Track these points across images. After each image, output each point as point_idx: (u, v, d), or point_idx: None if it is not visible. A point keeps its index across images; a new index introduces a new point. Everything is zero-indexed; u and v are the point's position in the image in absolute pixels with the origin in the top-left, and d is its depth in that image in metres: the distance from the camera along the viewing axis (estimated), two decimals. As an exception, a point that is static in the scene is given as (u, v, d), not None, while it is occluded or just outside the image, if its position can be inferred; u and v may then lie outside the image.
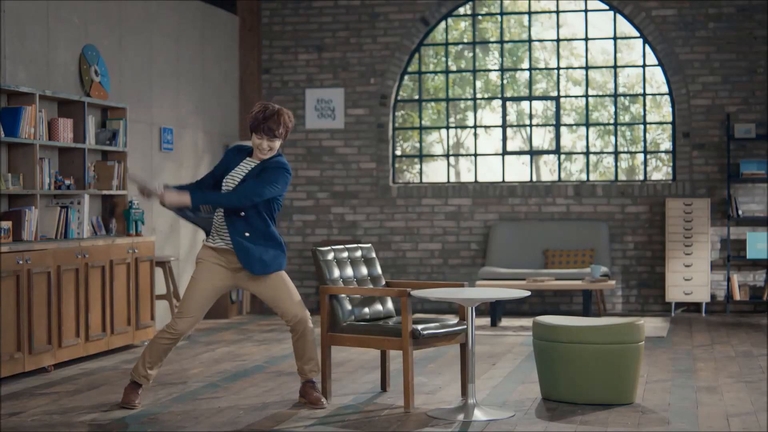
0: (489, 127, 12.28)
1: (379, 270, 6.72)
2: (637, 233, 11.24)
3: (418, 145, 12.11)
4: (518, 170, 12.41)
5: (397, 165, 12.00)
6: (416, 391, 6.54)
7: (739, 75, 11.08)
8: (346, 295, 6.36)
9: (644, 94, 11.56)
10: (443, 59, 11.99)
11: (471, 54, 11.99)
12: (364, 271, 6.64)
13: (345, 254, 6.56)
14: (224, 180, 6.08)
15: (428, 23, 11.66)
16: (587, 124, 11.75)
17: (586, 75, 11.69)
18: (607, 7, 11.39)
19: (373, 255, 6.74)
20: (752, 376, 7.10)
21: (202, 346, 8.72)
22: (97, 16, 9.02)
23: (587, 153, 11.73)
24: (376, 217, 11.71)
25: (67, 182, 8.24)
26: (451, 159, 12.94)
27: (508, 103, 11.80)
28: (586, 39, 11.54)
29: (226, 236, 6.05)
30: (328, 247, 6.51)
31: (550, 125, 12.02)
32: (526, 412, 5.98)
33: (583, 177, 11.94)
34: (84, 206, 8.30)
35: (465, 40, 12.35)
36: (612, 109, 11.83)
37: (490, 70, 12.01)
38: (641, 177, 11.86)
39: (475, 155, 11.80)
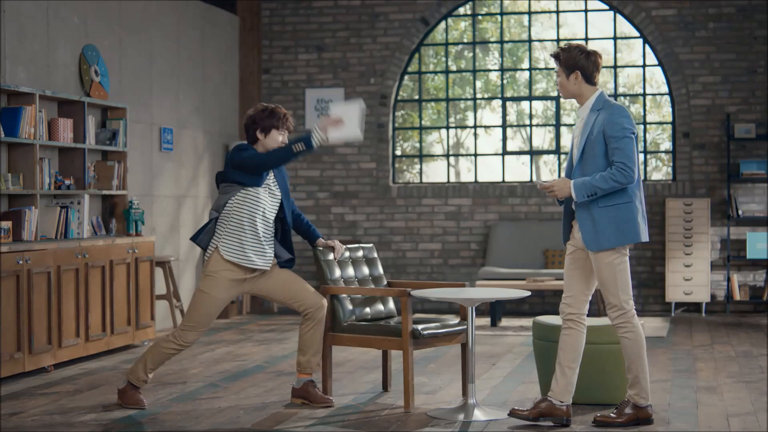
0: (489, 127, 12.28)
1: (380, 270, 6.72)
2: (637, 233, 11.22)
3: (418, 145, 12.12)
4: (518, 170, 12.41)
5: (397, 165, 12.01)
6: (416, 391, 6.54)
7: (739, 75, 11.08)
8: (347, 295, 6.36)
9: (644, 94, 11.57)
10: (443, 59, 11.99)
11: (471, 54, 11.99)
12: (365, 271, 6.64)
13: (346, 254, 6.57)
14: (263, 189, 6.00)
15: (428, 23, 11.66)
16: (587, 124, 11.74)
17: (586, 75, 11.67)
18: (607, 7, 11.39)
19: (375, 255, 6.74)
20: (752, 376, 7.10)
21: (202, 346, 8.72)
22: (97, 16, 9.02)
23: (587, 153, 11.71)
24: (376, 217, 11.72)
25: (67, 182, 8.24)
26: (451, 159, 12.94)
27: (508, 103, 11.80)
28: (586, 39, 11.54)
29: (265, 255, 6.03)
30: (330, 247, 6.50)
31: (550, 125, 12.02)
32: (526, 412, 5.98)
33: (583, 177, 11.94)
34: (84, 206, 8.30)
35: (465, 40, 12.35)
36: (612, 109, 11.82)
37: (490, 70, 12.01)
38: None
39: (475, 155, 11.80)
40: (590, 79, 5.50)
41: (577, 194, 5.39)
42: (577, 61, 5.47)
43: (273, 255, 6.10)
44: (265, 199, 6.01)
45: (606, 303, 5.59)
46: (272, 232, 6.08)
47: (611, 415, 5.57)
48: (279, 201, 6.08)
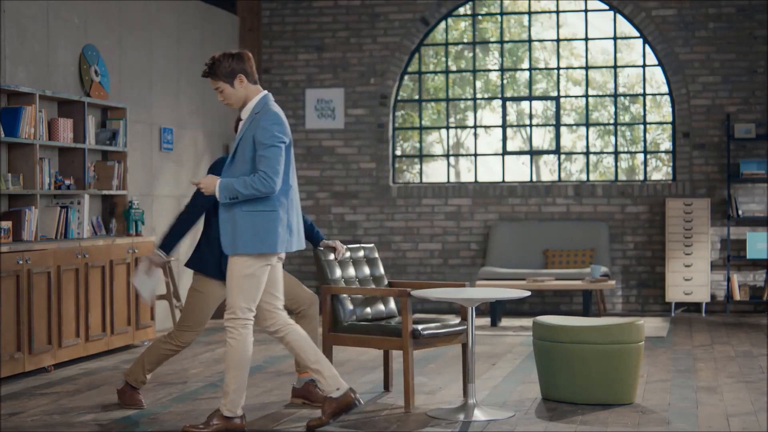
0: (489, 127, 12.28)
1: (381, 270, 6.72)
2: (637, 233, 11.24)
3: (418, 145, 12.12)
4: (518, 170, 12.41)
5: (397, 165, 12.01)
6: (416, 391, 6.54)
7: (739, 75, 11.08)
8: (347, 295, 6.36)
9: (644, 94, 11.57)
10: (443, 59, 11.99)
11: (471, 54, 11.99)
12: (366, 271, 6.64)
13: (347, 254, 6.57)
14: None
15: (428, 23, 11.66)
16: (587, 124, 11.76)
17: (586, 75, 11.69)
18: (607, 7, 11.39)
19: (376, 255, 6.74)
20: (752, 376, 7.10)
21: (202, 346, 8.72)
22: (97, 16, 9.02)
23: (587, 153, 11.73)
24: (376, 217, 11.71)
25: (67, 182, 8.25)
26: (451, 159, 12.94)
27: (508, 103, 11.80)
28: (586, 39, 11.54)
29: None
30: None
31: (550, 125, 12.02)
32: (526, 412, 5.98)
33: (583, 177, 11.95)
34: (84, 206, 8.30)
35: (465, 40, 12.35)
36: (612, 109, 11.83)
37: (490, 70, 12.01)
38: (641, 177, 11.86)
39: (475, 155, 11.80)
40: (251, 78, 5.40)
41: (221, 194, 5.27)
42: (233, 66, 5.36)
43: None
44: None
45: (226, 303, 5.42)
46: None
47: (200, 426, 5.39)
48: None
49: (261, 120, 5.28)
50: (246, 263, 5.31)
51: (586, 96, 11.73)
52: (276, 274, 5.51)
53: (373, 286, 6.59)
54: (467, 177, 13.04)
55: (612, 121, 11.87)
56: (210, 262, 5.94)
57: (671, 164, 11.43)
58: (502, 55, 11.84)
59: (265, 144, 5.22)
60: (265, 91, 5.44)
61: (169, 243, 5.98)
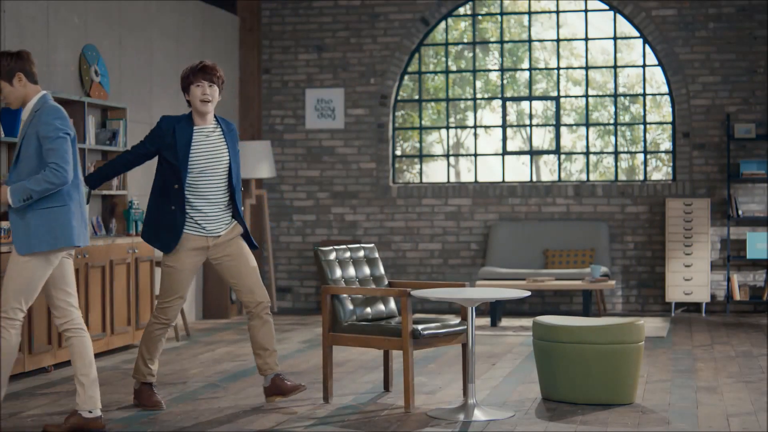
0: (489, 127, 12.29)
1: (381, 270, 6.72)
2: (637, 233, 11.24)
3: (418, 145, 12.12)
4: (518, 170, 12.41)
5: (397, 165, 12.01)
6: (416, 391, 6.54)
7: (739, 75, 11.08)
8: (347, 295, 6.36)
9: (644, 94, 11.57)
10: (443, 59, 11.99)
11: (471, 54, 11.99)
12: (366, 271, 6.64)
13: (347, 254, 6.57)
14: (190, 160, 5.92)
15: (428, 23, 11.66)
16: (587, 124, 11.76)
17: (586, 75, 11.69)
18: (607, 7, 11.39)
19: (376, 255, 6.74)
20: (752, 376, 7.10)
21: (202, 346, 8.72)
22: (97, 16, 9.02)
23: (587, 153, 11.73)
24: (376, 217, 11.72)
25: (67, 182, 8.24)
26: (451, 159, 12.94)
27: (508, 103, 11.80)
28: (586, 39, 11.54)
29: (217, 224, 6.03)
30: (330, 247, 6.51)
31: (550, 125, 12.02)
32: (526, 412, 5.98)
33: (583, 177, 11.95)
34: (84, 206, 8.30)
35: (465, 40, 12.35)
36: (612, 109, 11.83)
37: (490, 70, 12.01)
38: (641, 177, 11.86)
39: (475, 155, 11.80)
40: (32, 77, 5.41)
41: (14, 199, 5.24)
42: (12, 65, 5.36)
43: (228, 221, 6.07)
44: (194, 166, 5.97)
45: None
46: (224, 198, 6.06)
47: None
48: (226, 164, 6.06)
49: (42, 115, 5.31)
50: (28, 262, 5.29)
51: (586, 96, 11.73)
52: (66, 269, 5.46)
53: (373, 286, 6.59)
54: (467, 177, 13.05)
55: (612, 121, 11.87)
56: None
57: (671, 164, 11.43)
58: (502, 55, 11.85)
59: (51, 137, 5.25)
60: (45, 91, 5.46)
61: (97, 177, 6.01)
